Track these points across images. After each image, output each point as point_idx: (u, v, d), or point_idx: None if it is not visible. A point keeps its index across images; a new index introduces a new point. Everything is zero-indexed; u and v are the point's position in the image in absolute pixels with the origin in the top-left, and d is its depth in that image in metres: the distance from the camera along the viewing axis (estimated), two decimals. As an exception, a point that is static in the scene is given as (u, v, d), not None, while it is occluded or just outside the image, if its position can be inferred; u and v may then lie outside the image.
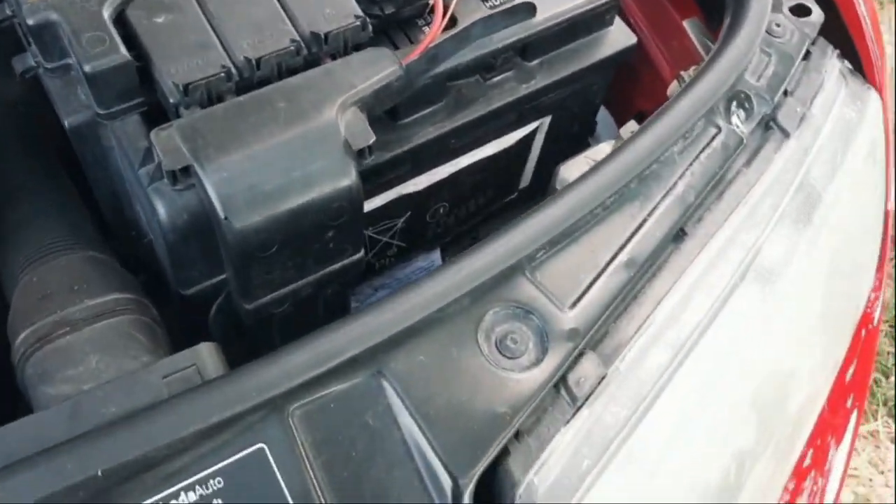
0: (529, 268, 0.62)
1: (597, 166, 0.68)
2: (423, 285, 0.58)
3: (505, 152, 0.82)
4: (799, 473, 0.87)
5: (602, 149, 0.83)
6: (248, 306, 0.66)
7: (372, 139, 0.61)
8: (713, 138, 0.73)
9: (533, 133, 0.83)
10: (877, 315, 0.89)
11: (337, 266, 0.68)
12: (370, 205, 0.75)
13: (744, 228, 0.72)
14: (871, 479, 1.63)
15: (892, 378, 1.73)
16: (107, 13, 0.60)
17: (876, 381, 1.71)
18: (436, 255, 0.91)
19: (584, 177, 0.67)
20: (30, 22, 0.60)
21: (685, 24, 0.88)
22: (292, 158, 0.60)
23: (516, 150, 0.83)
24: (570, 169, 0.82)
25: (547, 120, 0.83)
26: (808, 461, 0.89)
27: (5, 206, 0.73)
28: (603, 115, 1.06)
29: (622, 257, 0.65)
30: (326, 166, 0.60)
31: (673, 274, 0.68)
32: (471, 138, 0.76)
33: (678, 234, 0.69)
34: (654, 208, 0.68)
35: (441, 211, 0.83)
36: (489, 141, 0.79)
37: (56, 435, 0.52)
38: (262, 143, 0.59)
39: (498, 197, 0.91)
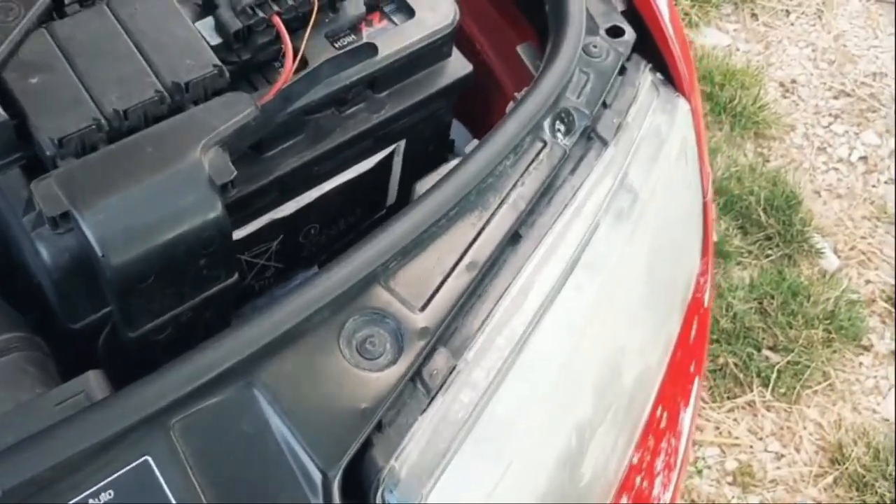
0: (384, 277, 0.71)
1: (440, 182, 0.78)
2: (287, 300, 0.67)
3: (366, 174, 0.91)
4: (657, 434, 1.00)
5: (452, 165, 0.93)
6: (131, 334, 0.73)
7: (233, 174, 0.69)
8: (540, 151, 0.84)
9: (390, 156, 0.93)
10: (707, 295, 1.03)
11: (213, 291, 0.76)
12: (243, 231, 0.83)
13: (571, 228, 0.83)
14: (751, 446, 1.78)
15: (764, 351, 1.88)
16: (-18, 78, 0.67)
17: (749, 355, 1.85)
18: (313, 273, 1.00)
19: (428, 192, 0.76)
20: None
21: (518, 49, 1.00)
22: (162, 197, 0.67)
23: (376, 171, 0.93)
24: (426, 185, 0.91)
25: (402, 143, 0.93)
26: (664, 423, 1.02)
27: None
28: (464, 134, 1.17)
29: (465, 261, 0.75)
30: (194, 201, 0.68)
31: (511, 272, 0.78)
32: (331, 165, 0.85)
33: (514, 237, 0.80)
34: (492, 216, 0.78)
35: (312, 232, 0.92)
36: (350, 166, 0.88)
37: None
38: (134, 185, 0.66)
39: (367, 214, 1.00)
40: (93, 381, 0.63)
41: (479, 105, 1.14)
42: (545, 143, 0.84)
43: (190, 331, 0.79)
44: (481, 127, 1.15)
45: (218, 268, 0.74)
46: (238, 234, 0.83)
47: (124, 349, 0.75)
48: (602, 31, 0.95)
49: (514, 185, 0.81)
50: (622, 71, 0.94)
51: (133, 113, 0.69)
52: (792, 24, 2.53)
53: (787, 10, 2.56)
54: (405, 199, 1.03)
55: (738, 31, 2.51)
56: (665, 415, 1.01)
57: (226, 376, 0.63)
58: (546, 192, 0.82)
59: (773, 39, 2.48)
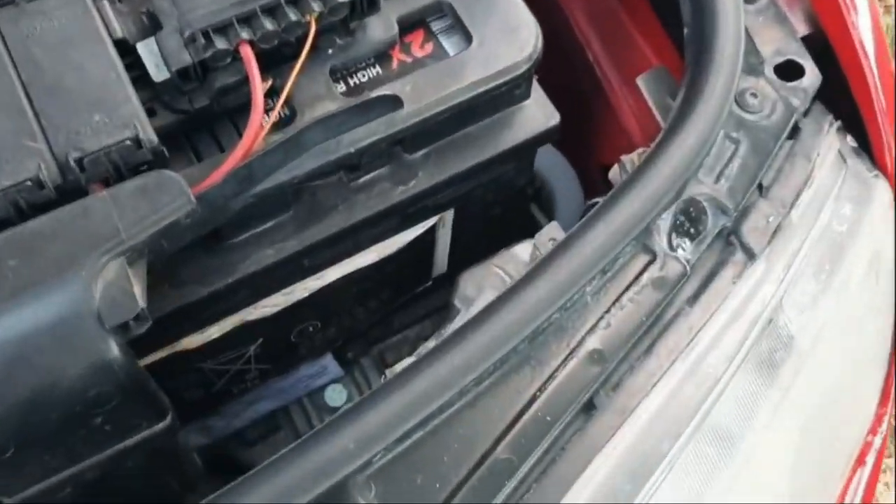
0: (363, 474, 0.46)
1: (473, 322, 0.50)
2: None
3: (395, 255, 0.64)
4: None
5: (516, 255, 0.64)
6: (7, 501, 0.50)
7: (137, 310, 0.44)
8: (644, 269, 0.54)
9: (433, 228, 0.65)
10: (871, 458, 0.70)
11: (132, 441, 0.52)
12: (198, 338, 0.59)
13: (683, 390, 0.54)
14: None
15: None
16: None
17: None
18: (327, 360, 0.75)
19: (450, 341, 0.49)
20: None
21: (640, 80, 0.68)
22: (21, 340, 0.43)
23: (411, 249, 0.65)
24: (474, 279, 0.63)
25: (449, 213, 0.65)
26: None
27: None
28: (561, 164, 0.87)
29: (499, 453, 0.48)
30: (72, 347, 0.44)
31: (575, 465, 0.51)
32: (332, 254, 0.59)
33: (586, 407, 0.52)
34: (550, 377, 0.51)
35: (310, 329, 0.66)
36: (365, 248, 0.61)
37: None
38: (-14, 317, 0.43)
39: (403, 291, 0.74)
40: None
41: (587, 132, 0.84)
42: (654, 256, 0.55)
43: (114, 482, 0.56)
44: (587, 160, 0.85)
45: (131, 419, 0.50)
46: (196, 341, 0.59)
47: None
48: (769, 70, 0.62)
49: (594, 327, 0.52)
50: (794, 133, 0.61)
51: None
52: None
53: None
54: (464, 264, 0.76)
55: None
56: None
57: None
58: (645, 334, 0.53)
59: None
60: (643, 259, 0.54)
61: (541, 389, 0.50)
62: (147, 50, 0.52)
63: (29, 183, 0.45)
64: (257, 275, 0.56)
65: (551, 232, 0.62)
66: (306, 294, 0.61)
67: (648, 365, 0.53)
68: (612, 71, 0.80)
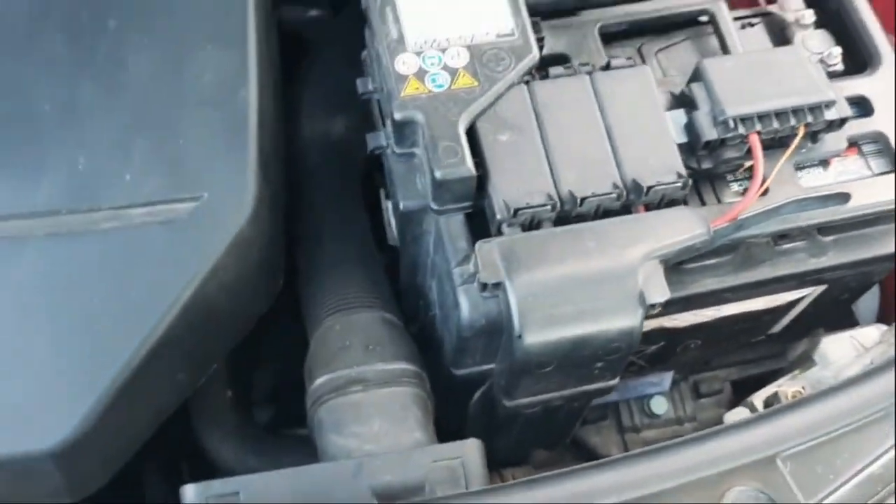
0: (782, 456, 0.64)
1: (869, 374, 0.68)
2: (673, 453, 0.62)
3: (772, 308, 0.83)
4: None
5: (868, 333, 0.82)
6: (507, 403, 0.72)
7: (666, 297, 0.65)
8: None
9: (803, 296, 0.84)
10: None
11: (591, 387, 0.73)
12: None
13: None
14: None
15: None
16: (462, 126, 0.68)
17: None
18: (667, 376, 0.94)
19: (851, 383, 0.67)
20: (396, 116, 0.69)
21: None
22: (590, 295, 0.65)
23: (783, 307, 0.84)
24: (833, 344, 0.82)
25: (822, 288, 0.83)
26: None
27: (317, 238, 0.84)
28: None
29: (869, 470, 0.66)
30: (617, 309, 0.65)
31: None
32: (747, 295, 0.78)
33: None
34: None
35: (692, 346, 0.86)
36: (761, 297, 0.81)
37: (340, 485, 0.60)
38: (566, 274, 0.64)
39: (744, 341, 0.92)
40: (471, 451, 0.63)
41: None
42: None
43: (552, 413, 0.77)
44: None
45: (608, 371, 0.71)
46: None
47: (491, 410, 0.74)
48: None
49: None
50: None
51: (588, 202, 0.67)
52: None
53: None
54: (789, 333, 0.94)
55: None
56: None
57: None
58: None
59: None
60: None
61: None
62: (672, 117, 0.73)
63: (613, 194, 0.67)
64: (696, 295, 0.76)
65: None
66: (707, 319, 0.81)
67: None
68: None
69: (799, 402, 0.66)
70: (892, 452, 0.66)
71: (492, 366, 0.73)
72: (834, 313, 0.92)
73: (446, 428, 0.74)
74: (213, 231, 0.64)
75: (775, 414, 0.65)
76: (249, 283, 0.68)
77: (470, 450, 0.63)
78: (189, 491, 0.60)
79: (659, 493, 0.60)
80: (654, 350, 0.85)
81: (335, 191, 0.88)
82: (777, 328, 0.92)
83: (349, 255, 0.82)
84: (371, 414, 0.67)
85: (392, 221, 0.87)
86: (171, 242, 0.64)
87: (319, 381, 0.69)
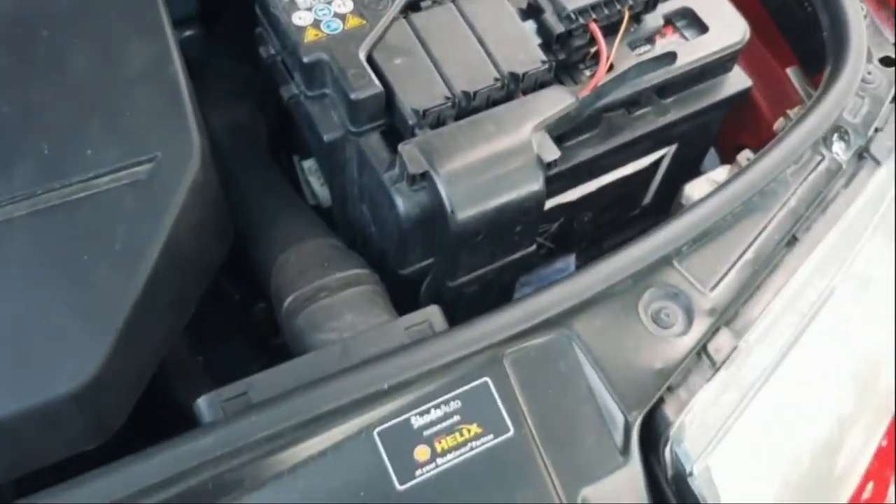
0: (677, 258, 0.79)
1: (726, 183, 0.86)
2: (598, 267, 0.76)
3: (639, 173, 1.00)
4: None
5: (720, 172, 1.00)
6: (450, 284, 0.84)
7: (558, 154, 0.80)
8: (818, 164, 0.90)
9: (661, 158, 1.01)
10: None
11: (515, 256, 0.86)
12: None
13: (843, 238, 0.88)
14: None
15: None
16: (362, 55, 0.80)
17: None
18: (571, 259, 1.09)
19: (717, 190, 0.84)
20: (305, 59, 0.80)
21: (789, 71, 1.06)
22: (499, 168, 0.78)
23: (646, 171, 1.01)
24: (694, 187, 0.99)
25: (673, 148, 1.01)
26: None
27: (250, 200, 0.94)
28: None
29: (748, 255, 0.82)
30: (523, 175, 0.79)
31: (787, 271, 0.84)
32: (615, 160, 0.95)
33: (791, 240, 0.86)
34: (772, 217, 0.85)
35: (585, 219, 1.01)
36: (628, 162, 0.97)
37: (331, 367, 0.70)
38: (478, 155, 0.78)
39: (624, 212, 1.09)
40: (433, 315, 0.75)
41: (731, 121, 1.21)
42: (822, 157, 0.90)
43: (487, 290, 0.90)
44: (727, 143, 1.22)
45: (525, 235, 0.85)
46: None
47: (438, 297, 0.86)
48: (875, 60, 1.00)
49: (794, 192, 0.87)
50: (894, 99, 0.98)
51: (479, 95, 0.81)
52: None
53: None
54: (658, 202, 1.11)
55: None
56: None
57: (548, 323, 0.73)
58: (821, 201, 0.88)
59: None
60: (817, 158, 0.90)
61: (768, 223, 0.85)
62: (528, 27, 0.88)
63: (497, 84, 0.81)
64: (578, 166, 0.91)
65: (746, 154, 0.98)
66: (593, 189, 0.97)
67: (823, 219, 0.88)
68: (753, 77, 1.18)
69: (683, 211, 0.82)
70: (761, 240, 0.84)
71: (431, 260, 0.85)
72: (688, 177, 1.09)
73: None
74: (172, 182, 0.73)
75: (665, 224, 0.80)
76: (210, 223, 0.77)
77: (432, 313, 0.75)
78: (202, 402, 0.68)
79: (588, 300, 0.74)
80: (557, 229, 1.00)
81: (250, 161, 0.98)
82: (648, 198, 1.09)
83: (281, 204, 0.92)
84: (343, 310, 0.77)
85: (309, 179, 0.98)
86: (139, 198, 0.72)
87: (289, 299, 0.79)
